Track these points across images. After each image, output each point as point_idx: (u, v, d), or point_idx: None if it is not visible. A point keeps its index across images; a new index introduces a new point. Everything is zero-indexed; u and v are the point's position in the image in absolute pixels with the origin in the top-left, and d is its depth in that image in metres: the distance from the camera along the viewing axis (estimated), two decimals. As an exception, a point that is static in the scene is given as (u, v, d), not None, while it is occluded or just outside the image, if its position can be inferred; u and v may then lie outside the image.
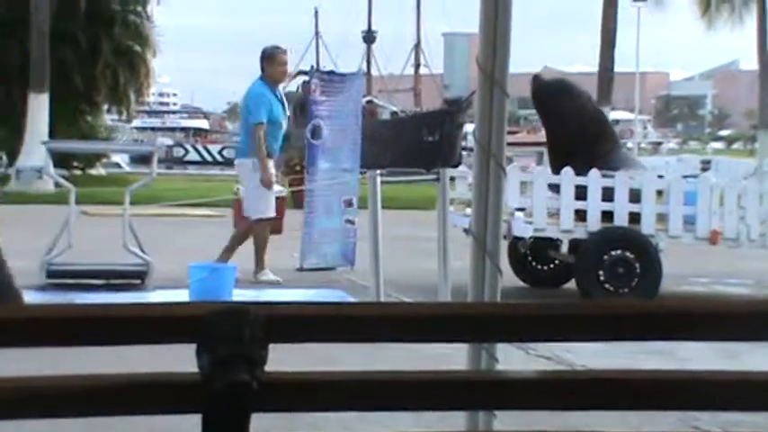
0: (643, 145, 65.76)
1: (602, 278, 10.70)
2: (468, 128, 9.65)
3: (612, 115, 32.83)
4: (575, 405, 2.22)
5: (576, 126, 11.34)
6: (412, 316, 2.22)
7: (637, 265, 10.74)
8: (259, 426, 2.11)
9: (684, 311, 2.22)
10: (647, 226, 10.93)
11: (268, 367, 2.06)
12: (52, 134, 23.67)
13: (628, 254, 10.76)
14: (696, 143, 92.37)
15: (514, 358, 7.06)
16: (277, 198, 12.10)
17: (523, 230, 10.86)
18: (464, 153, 11.02)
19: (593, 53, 29.95)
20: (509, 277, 11.34)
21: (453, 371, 2.36)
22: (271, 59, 11.81)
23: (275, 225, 12.17)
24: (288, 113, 12.06)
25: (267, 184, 11.48)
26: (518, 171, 11.04)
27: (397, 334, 2.21)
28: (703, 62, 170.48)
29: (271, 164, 11.78)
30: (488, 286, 3.36)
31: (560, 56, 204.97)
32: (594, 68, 30.46)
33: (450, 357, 2.69)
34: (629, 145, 54.00)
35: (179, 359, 2.25)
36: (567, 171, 10.94)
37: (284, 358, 2.21)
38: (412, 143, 10.11)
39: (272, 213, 11.70)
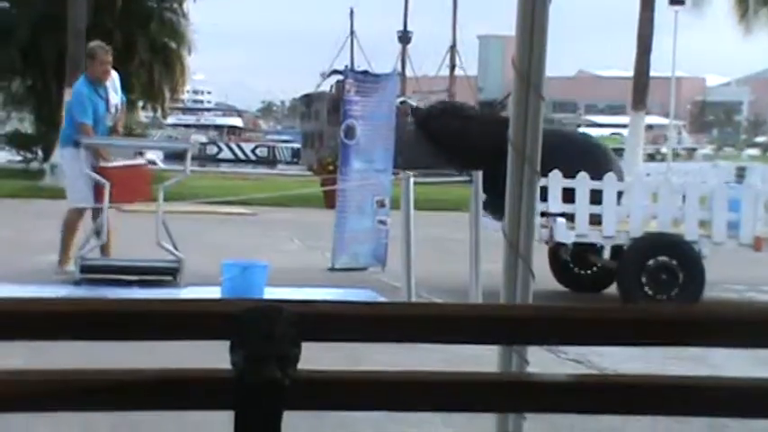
0: (677, 150, 65.39)
1: (644, 284, 10.57)
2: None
3: (647, 120, 32.58)
4: (604, 409, 2.23)
5: (477, 135, 11.19)
6: (443, 317, 2.23)
7: (680, 272, 10.61)
8: (289, 423, 2.12)
9: (715, 317, 2.22)
10: (691, 232, 10.80)
11: (301, 365, 2.07)
12: (86, 130, 23.81)
13: (671, 260, 10.63)
14: (731, 149, 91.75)
15: (545, 361, 7.06)
16: (141, 166, 11.99)
17: (565, 236, 10.75)
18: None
19: (629, 57, 29.77)
20: (547, 281, 11.30)
21: (484, 372, 2.37)
22: (92, 58, 11.72)
23: (142, 192, 11.85)
24: (113, 108, 11.82)
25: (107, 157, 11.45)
26: (560, 177, 10.84)
27: (428, 334, 2.22)
28: (740, 68, 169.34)
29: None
30: (521, 289, 3.35)
31: (595, 60, 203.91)
32: (630, 73, 30.29)
33: (481, 359, 2.69)
34: (663, 150, 53.69)
35: (212, 355, 2.27)
36: (611, 176, 10.81)
37: (317, 356, 2.22)
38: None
39: (88, 203, 11.47)
